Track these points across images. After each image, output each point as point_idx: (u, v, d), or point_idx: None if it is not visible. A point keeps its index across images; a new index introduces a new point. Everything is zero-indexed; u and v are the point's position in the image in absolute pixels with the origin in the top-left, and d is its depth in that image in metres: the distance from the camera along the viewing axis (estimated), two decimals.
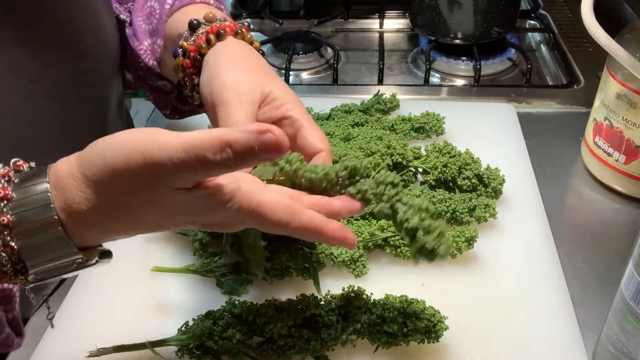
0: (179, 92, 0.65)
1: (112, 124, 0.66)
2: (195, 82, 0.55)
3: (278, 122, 0.49)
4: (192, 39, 0.55)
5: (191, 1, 0.60)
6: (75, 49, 0.55)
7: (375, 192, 0.43)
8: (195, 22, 0.55)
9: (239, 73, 0.50)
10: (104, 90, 0.62)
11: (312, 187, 0.44)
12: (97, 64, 0.59)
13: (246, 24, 0.57)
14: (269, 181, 0.43)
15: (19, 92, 0.51)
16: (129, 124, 0.79)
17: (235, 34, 0.55)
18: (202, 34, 0.54)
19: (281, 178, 0.44)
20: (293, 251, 0.57)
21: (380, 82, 0.94)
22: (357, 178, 0.44)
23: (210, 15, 0.55)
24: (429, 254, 0.42)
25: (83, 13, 0.55)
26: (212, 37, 0.53)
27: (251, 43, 0.56)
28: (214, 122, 0.52)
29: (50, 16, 0.52)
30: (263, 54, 0.57)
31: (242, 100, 0.48)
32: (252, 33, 1.16)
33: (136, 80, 0.67)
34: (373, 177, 0.44)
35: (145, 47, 0.60)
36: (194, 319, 0.50)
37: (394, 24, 1.14)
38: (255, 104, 0.49)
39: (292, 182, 0.44)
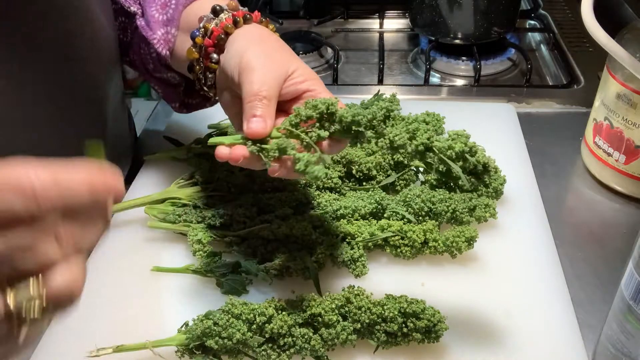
0: (187, 86, 0.66)
1: (113, 124, 0.66)
2: (213, 60, 0.55)
3: (300, 95, 0.51)
4: (216, 21, 0.56)
5: None
6: (67, 50, 0.55)
7: (409, 130, 0.44)
8: (218, 7, 0.56)
9: (268, 49, 0.52)
10: (101, 91, 0.62)
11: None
12: (91, 64, 0.59)
13: (267, 18, 0.59)
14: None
15: (13, 96, 0.51)
16: (130, 124, 0.79)
17: (260, 22, 0.57)
18: (227, 17, 0.56)
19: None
20: (293, 251, 0.58)
21: (380, 82, 0.94)
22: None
23: (234, 4, 0.57)
24: (482, 170, 0.43)
25: (76, 15, 0.55)
26: (239, 19, 0.55)
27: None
28: (228, 102, 0.53)
29: (42, 19, 0.52)
30: None
31: (271, 70, 0.49)
32: None
33: (144, 74, 0.67)
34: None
35: (158, 36, 0.61)
36: (194, 319, 0.50)
37: (394, 24, 1.13)
38: (282, 77, 0.50)
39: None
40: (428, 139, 0.43)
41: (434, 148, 0.43)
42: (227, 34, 0.54)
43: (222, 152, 0.47)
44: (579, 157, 0.74)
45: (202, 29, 0.56)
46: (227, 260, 0.57)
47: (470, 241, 0.56)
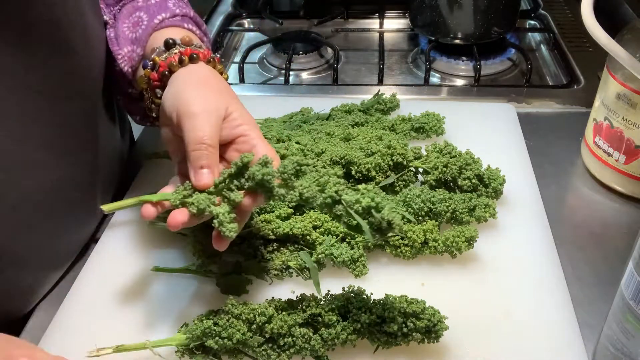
0: None
1: (103, 121, 0.66)
2: (157, 96, 0.57)
3: (234, 139, 0.52)
4: (165, 55, 0.57)
5: (180, 24, 0.63)
6: (59, 45, 0.55)
7: (319, 184, 0.45)
8: (171, 41, 0.57)
9: (207, 92, 0.53)
10: (91, 86, 0.62)
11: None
12: (82, 59, 0.59)
13: (218, 55, 0.59)
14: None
15: (3, 89, 0.51)
16: (122, 122, 0.78)
17: (207, 62, 0.57)
18: (175, 53, 0.56)
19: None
20: (293, 251, 0.58)
21: (380, 82, 0.94)
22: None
23: (187, 39, 0.58)
24: (385, 228, 0.43)
25: (67, 11, 0.56)
26: (185, 58, 0.55)
27: (221, 73, 0.58)
28: (169, 137, 0.54)
29: (34, 13, 0.52)
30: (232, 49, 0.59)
31: (210, 114, 0.50)
32: (252, 33, 1.17)
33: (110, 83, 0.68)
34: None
35: (124, 53, 0.62)
36: (194, 319, 0.50)
37: (394, 24, 1.14)
38: (221, 120, 0.51)
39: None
40: (336, 192, 0.44)
41: (342, 201, 0.44)
42: (171, 72, 0.55)
43: (149, 210, 0.48)
44: (579, 157, 0.74)
45: (151, 62, 0.57)
46: (227, 260, 0.57)
47: (470, 241, 0.56)
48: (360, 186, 0.45)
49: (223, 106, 0.51)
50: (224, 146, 0.52)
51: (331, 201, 0.45)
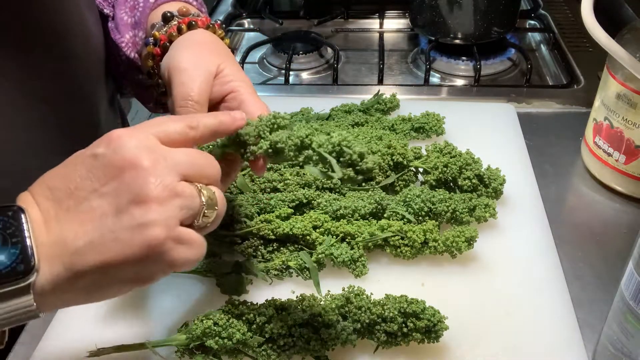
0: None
1: (105, 123, 0.66)
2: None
3: (225, 97, 0.51)
4: (164, 29, 0.56)
5: None
6: (60, 50, 0.55)
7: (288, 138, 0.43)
8: (169, 14, 0.57)
9: (199, 50, 0.52)
10: (92, 89, 0.62)
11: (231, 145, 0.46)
12: (83, 63, 0.59)
13: (219, 21, 0.59)
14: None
15: (6, 97, 0.51)
16: (123, 123, 0.79)
17: (207, 28, 0.56)
18: (173, 25, 0.56)
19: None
20: (293, 251, 0.58)
21: (380, 82, 0.94)
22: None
23: (184, 9, 0.57)
24: (358, 163, 0.41)
25: (66, 13, 0.56)
26: (183, 26, 0.55)
27: (222, 39, 0.57)
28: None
29: (33, 17, 0.52)
30: (231, 50, 0.59)
31: (199, 69, 0.49)
32: (252, 33, 1.17)
33: (117, 75, 0.67)
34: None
35: (126, 39, 0.61)
36: (194, 319, 0.50)
37: (394, 24, 1.14)
38: (211, 76, 0.50)
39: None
40: (307, 135, 0.43)
41: (313, 142, 0.43)
42: (172, 42, 0.55)
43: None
44: (579, 157, 0.74)
45: (152, 38, 0.57)
46: (227, 260, 0.57)
47: (470, 241, 0.56)
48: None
49: (214, 63, 0.50)
50: (216, 104, 0.51)
51: (300, 143, 0.43)
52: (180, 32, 0.55)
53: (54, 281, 0.35)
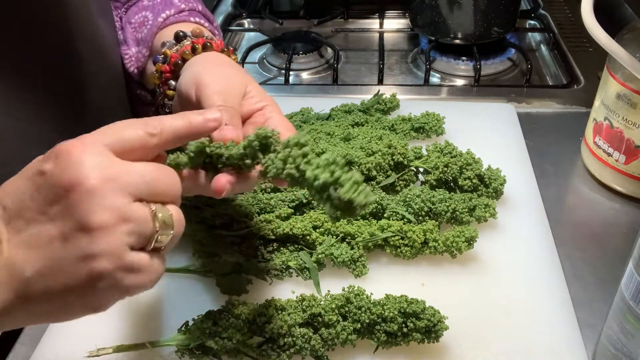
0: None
1: (109, 112, 0.66)
2: (170, 87, 0.56)
3: (253, 113, 0.50)
4: (176, 47, 0.56)
5: (186, 19, 0.62)
6: (70, 55, 0.55)
7: (283, 157, 0.41)
8: (181, 33, 0.57)
9: (228, 70, 0.52)
10: (103, 94, 0.62)
11: (227, 164, 0.43)
12: (93, 68, 0.59)
13: (232, 48, 0.59)
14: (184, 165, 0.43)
15: (13, 99, 0.51)
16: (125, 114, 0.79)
17: (221, 51, 0.56)
18: (187, 44, 0.56)
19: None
20: (293, 251, 0.58)
21: (380, 82, 0.94)
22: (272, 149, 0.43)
23: (198, 30, 0.57)
24: (347, 208, 0.40)
25: (77, 19, 0.55)
26: (198, 46, 0.55)
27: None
28: None
29: (43, 23, 0.52)
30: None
31: (233, 89, 0.49)
32: (252, 33, 1.17)
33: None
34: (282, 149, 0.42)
35: (131, 53, 0.61)
36: (194, 319, 0.50)
37: (394, 24, 1.14)
38: (241, 94, 0.50)
39: (204, 161, 0.44)
40: (296, 167, 0.41)
41: (304, 177, 0.41)
42: (184, 60, 0.54)
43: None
44: (579, 157, 0.74)
45: (162, 55, 0.56)
46: (227, 260, 0.57)
47: (470, 241, 0.56)
48: (324, 155, 0.41)
49: (242, 82, 0.50)
50: (243, 123, 0.50)
51: (294, 174, 0.41)
52: (194, 51, 0.54)
53: (6, 307, 0.35)
